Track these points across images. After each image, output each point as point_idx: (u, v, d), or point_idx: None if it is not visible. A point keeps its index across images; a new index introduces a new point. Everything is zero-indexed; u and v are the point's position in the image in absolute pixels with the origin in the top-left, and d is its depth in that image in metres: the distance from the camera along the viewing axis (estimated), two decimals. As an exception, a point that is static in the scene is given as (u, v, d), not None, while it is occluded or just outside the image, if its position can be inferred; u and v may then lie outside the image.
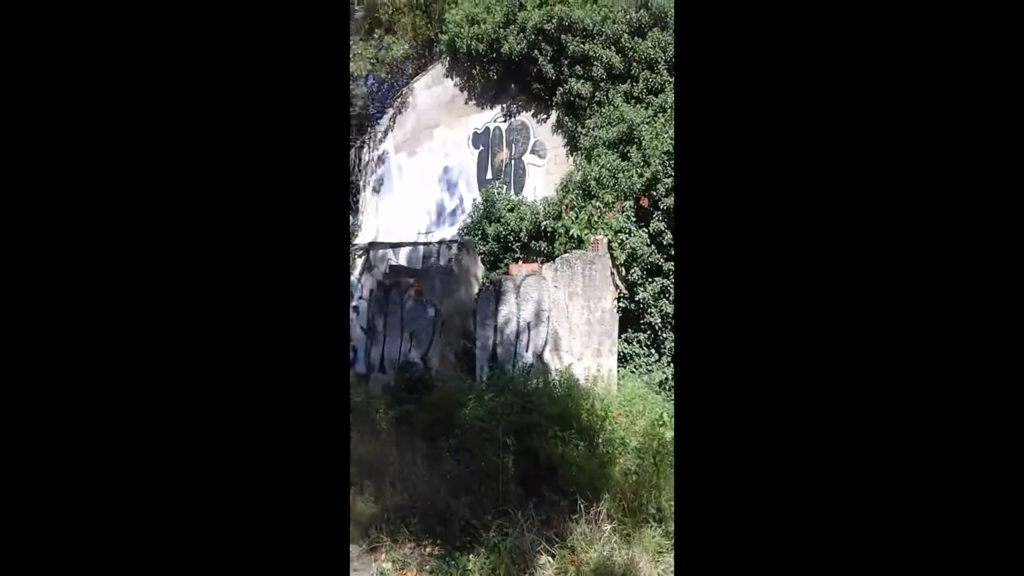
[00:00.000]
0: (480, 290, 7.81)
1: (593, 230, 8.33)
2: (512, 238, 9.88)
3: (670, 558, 4.26)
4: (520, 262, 8.07)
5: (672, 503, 4.71)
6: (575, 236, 8.56)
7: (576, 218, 8.61)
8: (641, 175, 8.17)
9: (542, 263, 7.45)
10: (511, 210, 10.10)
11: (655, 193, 8.12)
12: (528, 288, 7.16)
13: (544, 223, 9.44)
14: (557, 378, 6.54)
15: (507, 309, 7.28)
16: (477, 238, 10.14)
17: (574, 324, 7.18)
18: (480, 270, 10.14)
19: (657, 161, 7.99)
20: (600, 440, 5.67)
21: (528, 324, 7.10)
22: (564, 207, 8.79)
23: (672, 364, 7.98)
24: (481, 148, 10.86)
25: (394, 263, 11.17)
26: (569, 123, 9.59)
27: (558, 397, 6.13)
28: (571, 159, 9.80)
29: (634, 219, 8.16)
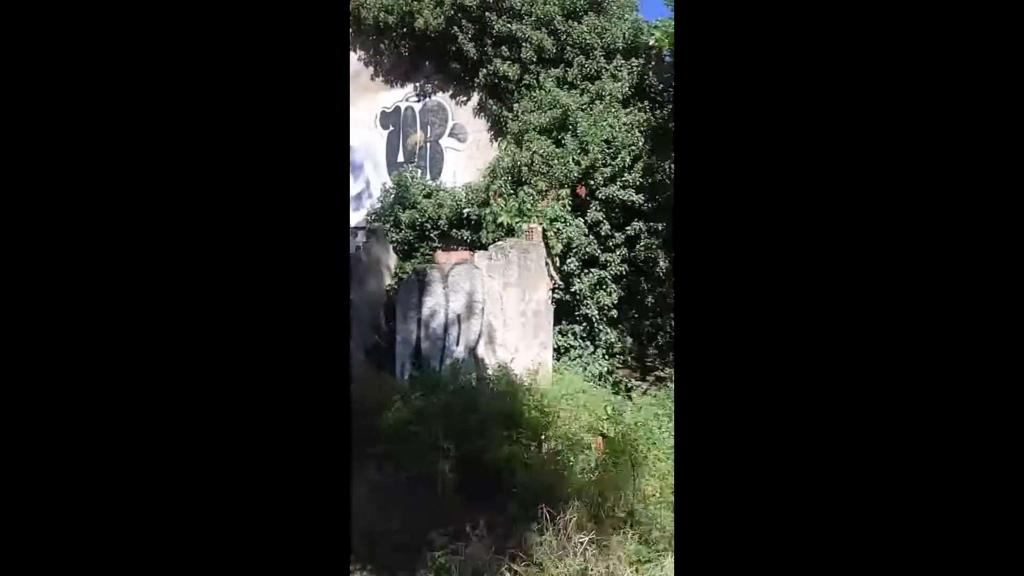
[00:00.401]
0: (400, 280, 6.95)
1: (526, 218, 7.74)
2: (429, 225, 9.04)
3: (654, 569, 3.72)
4: (444, 250, 7.29)
5: (643, 505, 4.20)
6: (504, 224, 7.93)
7: (506, 205, 7.99)
8: (578, 162, 7.71)
9: (473, 252, 6.73)
10: (428, 196, 9.25)
11: (592, 182, 7.71)
12: (458, 278, 6.39)
13: (467, 210, 8.73)
14: (493, 374, 5.84)
15: (433, 301, 6.47)
16: (388, 225, 9.20)
17: (508, 316, 6.52)
18: (392, 260, 9.20)
19: (596, 149, 7.55)
20: (549, 438, 5.06)
21: (458, 317, 6.34)
22: (492, 193, 8.12)
23: (608, 357, 7.57)
24: (391, 128, 9.93)
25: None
26: (494, 106, 8.94)
27: (498, 394, 5.43)
28: (496, 144, 9.17)
29: (570, 208, 7.68)
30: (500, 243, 6.84)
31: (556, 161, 7.75)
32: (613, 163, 7.67)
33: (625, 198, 7.59)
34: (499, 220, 7.91)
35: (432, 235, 9.06)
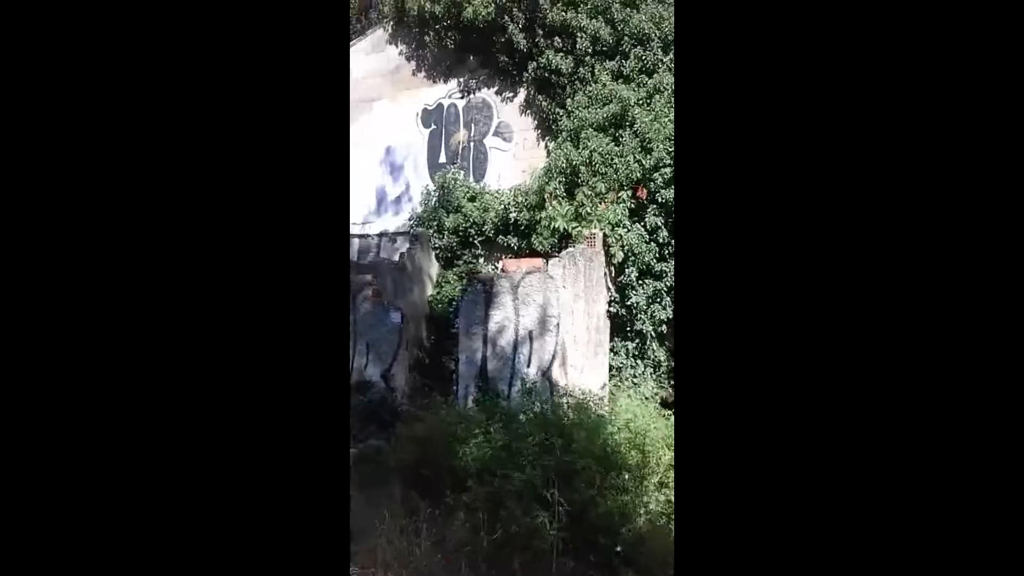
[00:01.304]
0: (464, 291, 6.22)
1: (585, 223, 7.01)
2: (474, 231, 8.32)
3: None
4: (509, 257, 6.53)
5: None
6: (560, 230, 7.20)
7: (562, 209, 7.25)
8: (639, 162, 6.97)
9: (547, 258, 5.99)
10: (472, 199, 8.55)
11: (652, 184, 6.96)
12: (529, 288, 5.67)
13: (514, 215, 8.00)
14: (569, 400, 5.12)
15: (501, 314, 5.75)
16: (432, 231, 8.49)
17: (577, 332, 5.81)
18: (435, 268, 8.49)
19: (662, 147, 6.81)
20: (651, 484, 4.36)
21: (530, 333, 5.64)
22: (548, 196, 7.38)
23: (657, 378, 6.83)
24: (433, 127, 9.18)
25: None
26: (543, 103, 8.19)
27: (584, 425, 4.72)
28: (543, 143, 8.42)
29: (628, 212, 6.93)
30: (571, 250, 6.09)
31: (617, 160, 7.00)
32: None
33: (692, 200, 6.85)
34: (555, 225, 7.17)
35: (476, 242, 8.35)
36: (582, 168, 7.17)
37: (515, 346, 5.68)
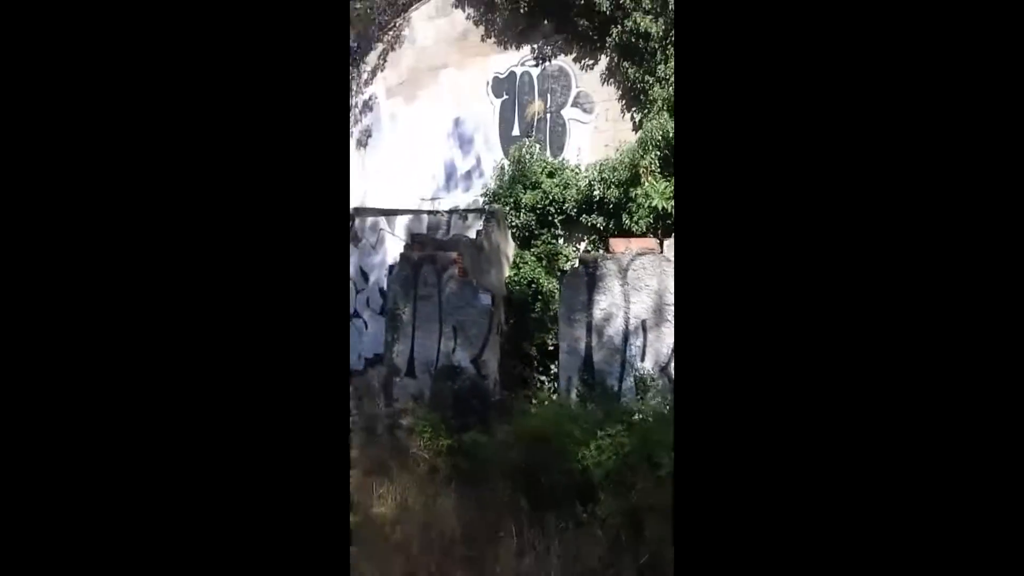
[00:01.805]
0: (566, 273, 5.63)
1: (685, 201, 6.36)
2: (554, 209, 7.70)
3: None
4: (619, 236, 5.88)
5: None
6: (657, 208, 6.55)
7: (659, 186, 6.59)
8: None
9: (662, 239, 5.36)
10: (550, 175, 7.90)
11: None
12: (641, 273, 5.06)
13: (600, 192, 7.36)
14: None
15: (607, 300, 5.16)
16: (508, 208, 7.88)
17: (689, 322, 5.22)
18: (511, 247, 7.91)
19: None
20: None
21: (643, 323, 5.04)
22: (643, 171, 6.72)
23: None
24: (505, 97, 8.50)
25: (390, 234, 8.68)
26: (629, 70, 7.47)
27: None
28: (630, 114, 7.72)
29: (742, 189, 6.25)
30: (684, 233, 5.43)
31: (724, 133, 6.29)
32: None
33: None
34: (652, 203, 6.52)
35: (556, 220, 7.73)
36: (683, 140, 6.49)
37: (626, 336, 5.08)
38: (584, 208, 7.58)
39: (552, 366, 6.97)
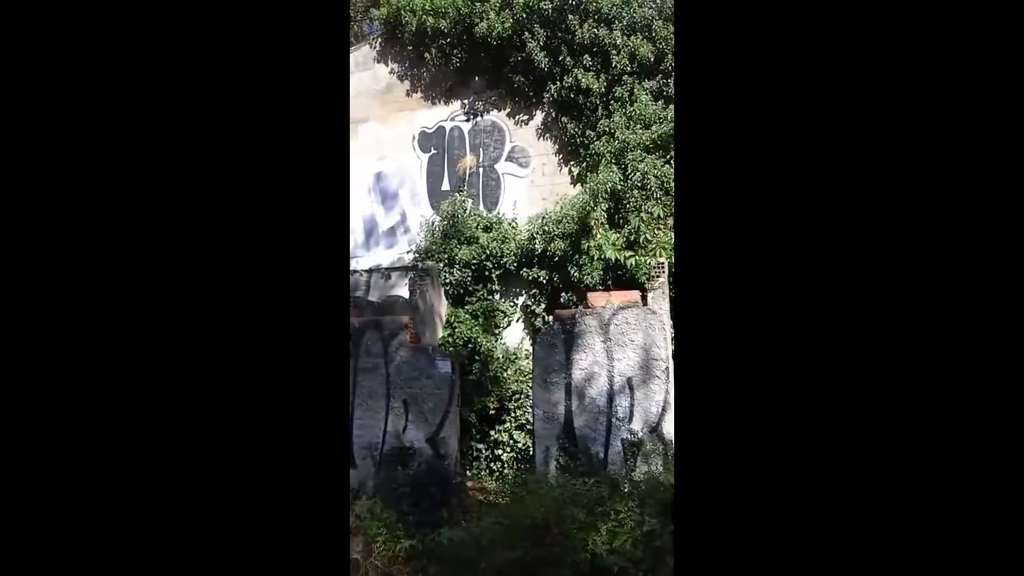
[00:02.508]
0: (540, 332, 4.99)
1: (641, 251, 6.06)
2: (492, 264, 7.15)
3: None
4: (599, 291, 5.35)
5: None
6: (610, 260, 6.20)
7: (609, 238, 6.27)
8: (698, 186, 6.18)
9: (643, 292, 4.91)
10: (486, 229, 7.39)
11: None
12: (624, 327, 4.56)
13: (541, 244, 6.93)
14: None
15: (588, 359, 4.59)
16: (442, 264, 7.22)
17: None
18: (444, 306, 7.20)
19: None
20: None
21: (629, 381, 4.50)
22: (594, 222, 6.38)
23: None
24: (433, 151, 8.00)
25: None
26: (568, 125, 7.28)
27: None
28: (567, 168, 7.48)
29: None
30: (660, 281, 5.05)
31: (674, 183, 6.15)
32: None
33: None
34: (605, 255, 6.17)
35: (494, 275, 7.18)
36: (634, 192, 6.28)
37: (610, 397, 4.51)
38: (525, 262, 7.11)
39: (493, 432, 6.25)
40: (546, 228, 6.90)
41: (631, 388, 4.49)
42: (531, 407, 4.84)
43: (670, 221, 6.15)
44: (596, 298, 4.79)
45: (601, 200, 6.39)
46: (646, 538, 3.41)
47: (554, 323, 4.81)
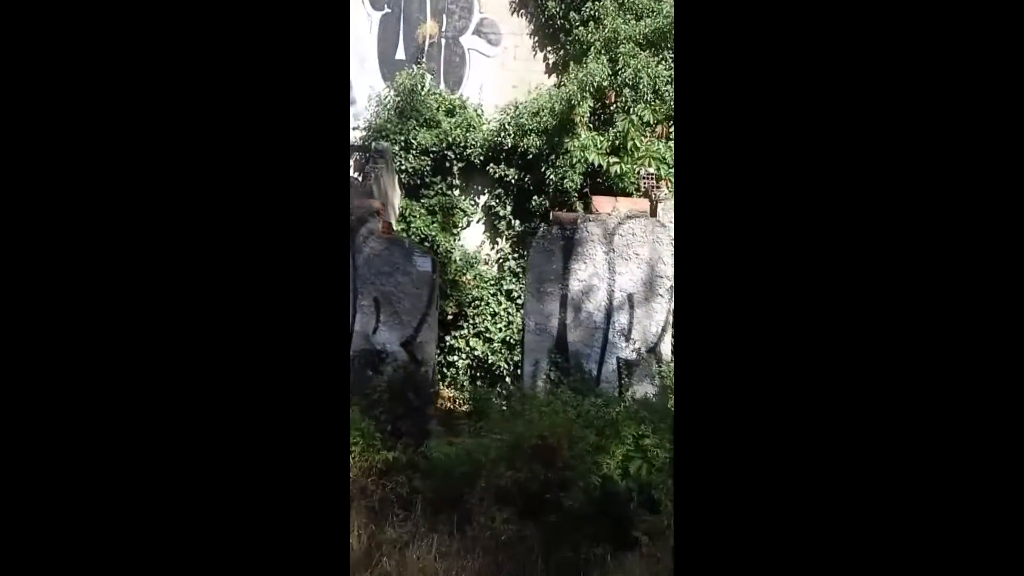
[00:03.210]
0: (536, 235, 4.50)
1: (627, 158, 5.65)
2: (453, 155, 6.44)
3: None
4: (600, 195, 4.87)
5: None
6: (593, 164, 5.74)
7: (596, 140, 5.78)
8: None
9: (654, 201, 4.52)
10: (449, 113, 6.58)
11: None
12: (630, 239, 4.22)
13: (512, 139, 6.30)
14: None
15: (588, 270, 4.24)
16: (398, 147, 6.38)
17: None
18: (398, 196, 6.46)
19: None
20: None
21: (630, 298, 4.23)
22: (579, 120, 5.82)
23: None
24: (387, 10, 6.85)
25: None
26: (549, 2, 6.46)
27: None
28: (543, 54, 6.73)
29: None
30: (663, 192, 4.72)
31: (666, 88, 5.72)
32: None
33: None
34: (589, 158, 5.71)
35: (455, 168, 6.50)
36: (624, 92, 5.76)
37: (608, 313, 4.25)
38: (492, 156, 6.47)
39: (448, 338, 5.91)
40: (519, 121, 6.25)
41: (631, 305, 4.26)
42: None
43: (660, 128, 5.77)
44: (601, 203, 4.39)
45: (587, 96, 5.82)
46: (661, 464, 3.31)
47: (552, 227, 4.37)
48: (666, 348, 4.21)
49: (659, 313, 4.25)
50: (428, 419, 4.25)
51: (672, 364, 4.17)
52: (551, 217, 4.39)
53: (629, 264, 4.26)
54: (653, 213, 4.31)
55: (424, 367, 4.38)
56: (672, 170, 5.50)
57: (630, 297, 4.27)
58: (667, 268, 4.20)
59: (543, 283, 4.30)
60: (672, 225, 4.27)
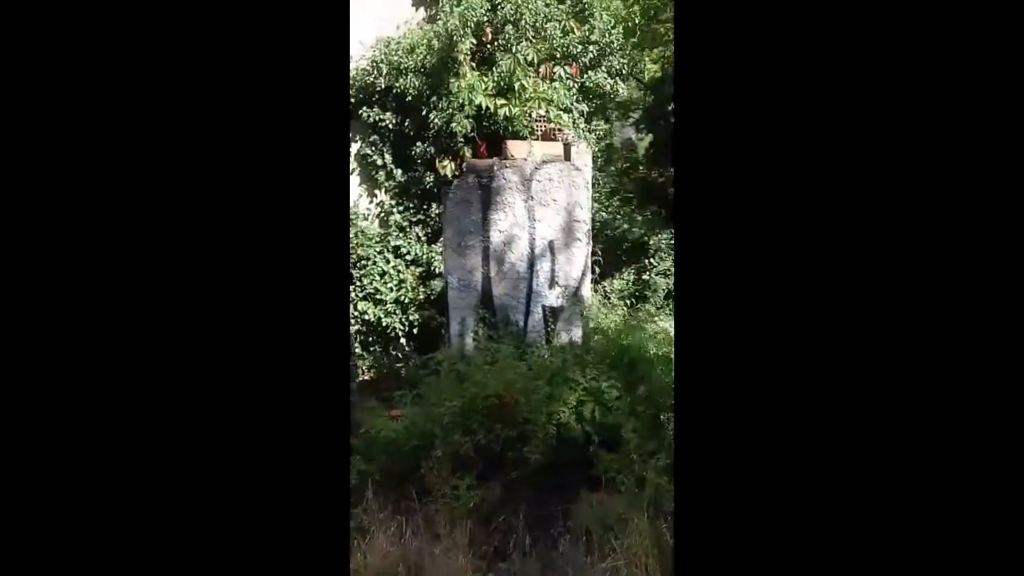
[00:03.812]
0: (450, 185, 4.12)
1: (515, 99, 5.44)
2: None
3: None
4: (515, 139, 4.55)
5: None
6: (480, 107, 5.45)
7: (482, 81, 5.46)
8: (572, 32, 5.68)
9: (566, 143, 4.35)
10: (307, 50, 5.81)
11: (587, 63, 5.79)
12: (547, 185, 4.09)
13: (386, 79, 5.76)
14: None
15: (508, 219, 4.05)
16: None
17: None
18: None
19: (604, 19, 5.65)
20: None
21: (551, 245, 4.15)
22: (463, 59, 5.44)
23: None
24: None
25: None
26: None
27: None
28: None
29: (573, 94, 5.68)
30: (568, 135, 4.65)
31: (550, 25, 5.60)
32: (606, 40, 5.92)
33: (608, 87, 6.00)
34: (476, 100, 5.42)
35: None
36: (507, 28, 5.50)
37: (531, 262, 4.17)
38: (363, 100, 5.88)
39: None
40: (392, 59, 5.72)
41: (552, 252, 4.22)
42: (443, 275, 4.21)
43: (543, 69, 5.65)
44: (515, 147, 4.20)
45: (468, 34, 5.48)
46: (612, 403, 3.41)
47: (468, 175, 4.11)
48: (586, 291, 4.28)
49: (578, 258, 4.28)
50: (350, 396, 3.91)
51: (592, 307, 4.27)
52: (464, 165, 4.12)
53: (547, 210, 4.19)
54: (567, 157, 4.25)
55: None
56: (561, 113, 5.48)
57: (551, 244, 4.24)
58: (583, 212, 4.21)
59: (463, 236, 4.08)
60: (588, 168, 4.26)
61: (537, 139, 5.04)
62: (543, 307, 4.19)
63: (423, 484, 3.28)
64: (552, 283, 4.24)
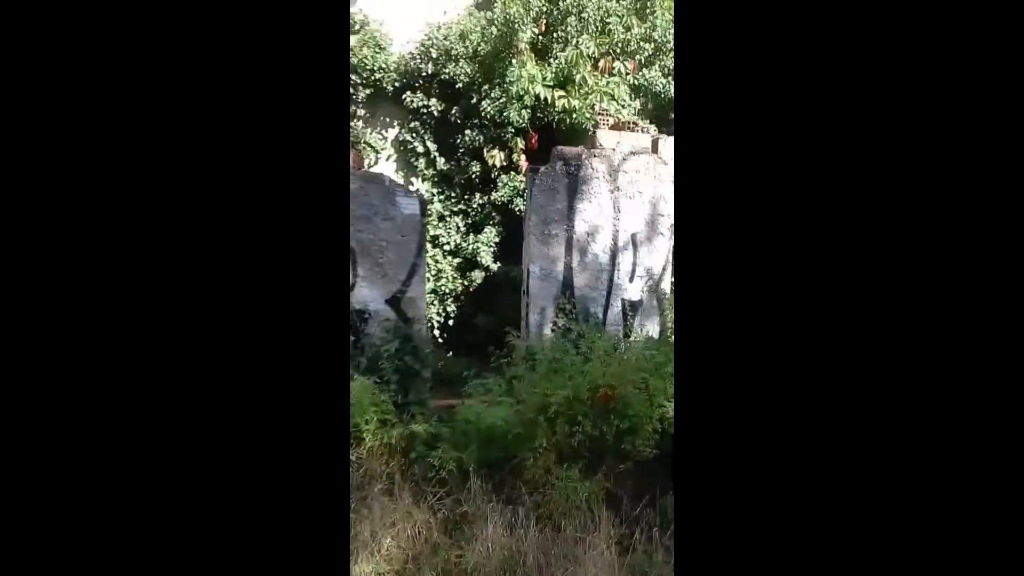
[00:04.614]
0: (537, 173, 3.94)
1: (574, 92, 5.33)
2: (359, 79, 5.54)
3: None
4: (610, 128, 4.39)
5: None
6: (539, 98, 5.31)
7: (539, 71, 5.33)
8: (631, 27, 5.62)
9: (654, 137, 4.23)
10: (355, 32, 5.60)
11: (645, 59, 5.73)
12: (635, 176, 3.97)
13: (433, 65, 5.58)
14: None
15: (593, 209, 3.91)
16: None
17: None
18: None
19: (667, 17, 5.61)
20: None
21: (634, 237, 4.01)
22: (523, 48, 5.30)
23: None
24: None
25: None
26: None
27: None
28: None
29: (628, 90, 5.60)
30: (652, 128, 4.55)
31: (612, 20, 5.53)
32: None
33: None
34: (534, 91, 5.30)
35: (362, 95, 5.64)
36: (570, 20, 5.40)
37: (614, 254, 4.03)
38: (407, 83, 5.69)
39: None
40: (445, 44, 5.56)
41: (635, 245, 4.10)
42: (526, 264, 4.03)
43: (602, 63, 5.57)
44: (605, 137, 4.08)
45: (526, 23, 5.37)
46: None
47: (557, 163, 3.96)
48: (666, 286, 4.17)
49: (660, 252, 4.17)
50: (428, 384, 3.69)
51: (672, 301, 4.16)
52: (553, 152, 3.98)
53: (633, 203, 4.08)
54: (655, 150, 4.15)
55: (417, 325, 3.75)
56: (623, 108, 5.39)
57: (634, 237, 4.11)
58: (667, 206, 4.12)
59: (548, 225, 3.92)
60: (672, 164, 4.17)
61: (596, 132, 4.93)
62: (623, 300, 4.05)
63: (525, 475, 3.11)
64: (633, 276, 4.11)
